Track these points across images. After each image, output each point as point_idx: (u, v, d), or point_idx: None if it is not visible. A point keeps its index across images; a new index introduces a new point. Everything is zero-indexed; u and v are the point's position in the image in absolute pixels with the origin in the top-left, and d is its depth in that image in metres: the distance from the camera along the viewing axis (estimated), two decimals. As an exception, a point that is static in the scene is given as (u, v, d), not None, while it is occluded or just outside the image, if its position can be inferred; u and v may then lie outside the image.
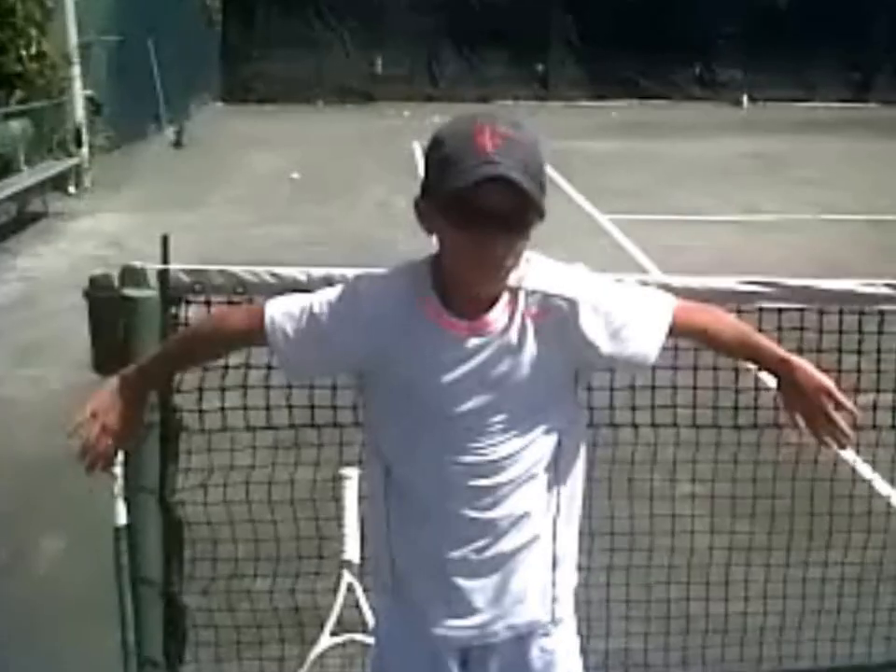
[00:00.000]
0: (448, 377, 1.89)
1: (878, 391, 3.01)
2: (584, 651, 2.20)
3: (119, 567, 2.83)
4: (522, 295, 1.89)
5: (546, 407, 1.96)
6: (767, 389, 2.32)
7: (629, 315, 1.95)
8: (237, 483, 2.98)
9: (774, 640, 3.29)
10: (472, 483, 1.93)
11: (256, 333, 1.97)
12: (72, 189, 12.45)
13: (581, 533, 2.12)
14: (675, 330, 2.00)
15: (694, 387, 2.97)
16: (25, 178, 10.95)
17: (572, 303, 1.89)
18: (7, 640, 3.56)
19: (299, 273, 2.57)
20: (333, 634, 2.86)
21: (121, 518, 2.79)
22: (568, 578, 2.12)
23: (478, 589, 2.00)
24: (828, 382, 1.99)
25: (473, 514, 1.95)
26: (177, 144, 16.78)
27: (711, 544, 3.32)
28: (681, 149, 16.66)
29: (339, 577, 2.87)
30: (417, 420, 1.93)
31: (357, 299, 1.94)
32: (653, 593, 3.31)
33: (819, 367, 2.04)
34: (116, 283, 2.63)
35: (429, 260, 1.92)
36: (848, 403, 1.99)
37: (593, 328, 1.90)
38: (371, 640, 2.69)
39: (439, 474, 1.94)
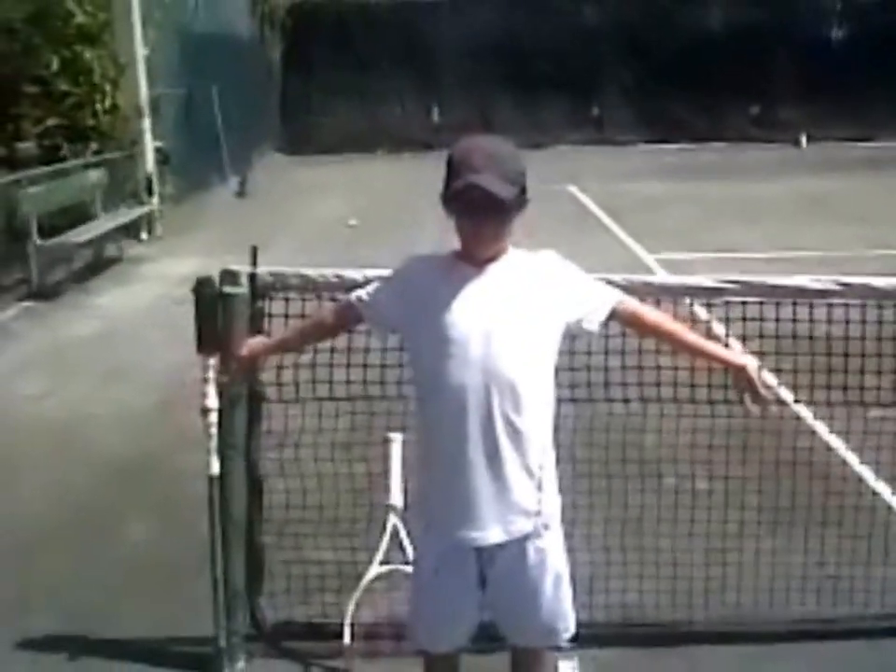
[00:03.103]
0: (453, 298, 2.61)
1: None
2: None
3: (212, 510, 3.57)
4: (514, 261, 2.67)
5: (531, 342, 2.63)
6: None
7: (586, 290, 2.76)
8: (306, 444, 3.74)
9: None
10: (483, 415, 2.57)
11: (350, 313, 2.85)
12: (144, 236, 13.17)
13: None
14: (620, 314, 2.81)
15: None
16: (102, 225, 11.68)
17: (549, 267, 2.71)
18: (116, 589, 4.28)
19: (356, 274, 3.33)
20: (382, 563, 3.57)
21: (214, 469, 3.54)
22: (551, 498, 2.76)
23: (486, 503, 2.63)
24: (756, 380, 2.77)
25: (486, 444, 2.59)
26: (241, 193, 17.40)
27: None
28: (732, 190, 16.64)
29: (385, 518, 3.59)
30: (436, 341, 2.60)
31: (407, 268, 2.79)
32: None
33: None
34: (217, 282, 3.41)
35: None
36: (759, 383, 2.77)
37: (562, 288, 2.69)
38: (411, 569, 3.44)
39: (459, 409, 2.58)
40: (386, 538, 3.57)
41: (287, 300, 3.42)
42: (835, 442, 5.17)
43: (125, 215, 12.62)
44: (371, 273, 3.24)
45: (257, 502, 3.66)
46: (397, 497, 3.58)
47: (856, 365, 3.77)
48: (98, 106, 13.12)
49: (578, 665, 3.62)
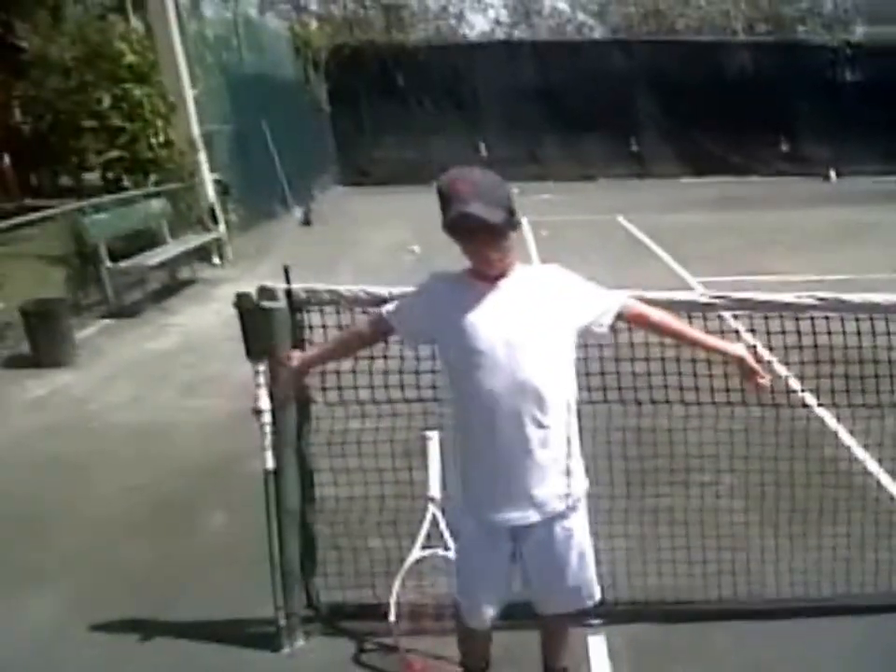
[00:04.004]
0: (475, 315, 2.93)
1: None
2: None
3: (268, 501, 3.98)
4: (524, 275, 3.00)
5: (549, 348, 2.95)
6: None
7: (593, 297, 3.11)
8: (351, 442, 4.14)
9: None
10: (514, 408, 2.92)
11: (379, 323, 3.20)
12: (216, 260, 13.70)
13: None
14: (626, 315, 3.19)
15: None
16: (171, 249, 12.21)
17: (557, 278, 3.04)
18: (188, 578, 4.70)
19: (383, 290, 3.70)
20: (423, 548, 3.94)
21: (269, 463, 3.94)
22: (578, 482, 3.12)
23: (520, 486, 3.00)
24: (744, 356, 3.23)
25: (519, 434, 2.95)
26: (306, 222, 17.94)
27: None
28: (767, 220, 17.14)
29: (425, 508, 3.96)
30: (465, 353, 2.93)
31: (431, 285, 3.13)
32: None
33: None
34: (255, 298, 3.82)
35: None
36: (758, 368, 3.22)
37: (570, 296, 3.02)
38: (449, 554, 3.82)
39: (492, 404, 2.92)
40: (426, 525, 3.94)
41: (322, 312, 3.82)
42: (850, 441, 5.61)
43: (193, 241, 13.12)
44: (395, 289, 3.61)
45: (309, 494, 4.06)
46: (435, 489, 3.96)
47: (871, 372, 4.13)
48: (152, 141, 13.68)
49: (605, 639, 3.96)
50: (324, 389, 3.94)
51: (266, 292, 3.77)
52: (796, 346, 4.04)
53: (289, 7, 30.18)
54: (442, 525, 3.93)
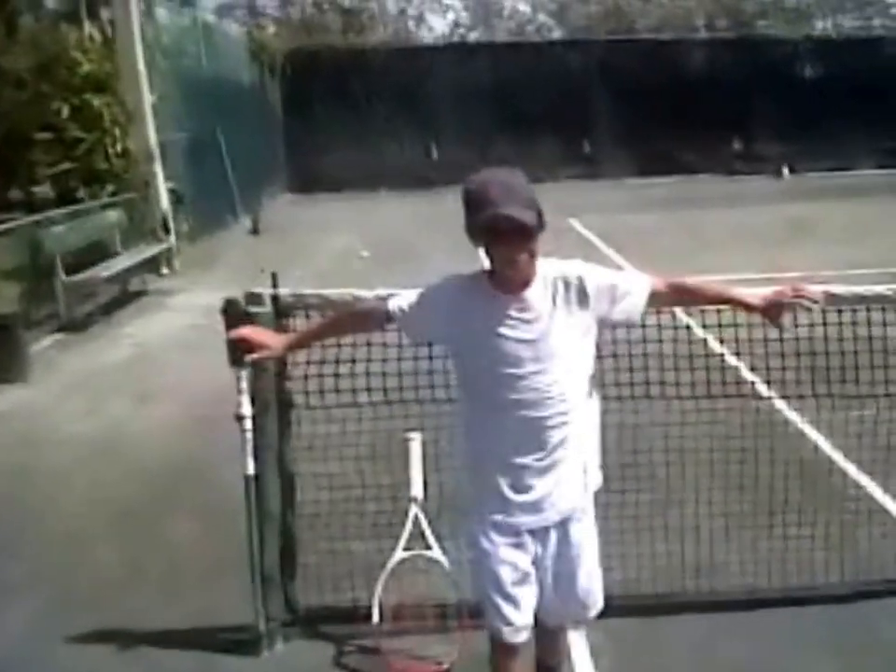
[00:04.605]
0: (502, 331, 2.86)
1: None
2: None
3: (249, 506, 3.97)
4: (547, 279, 2.90)
5: (574, 353, 2.91)
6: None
7: (621, 286, 2.98)
8: (333, 446, 4.16)
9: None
10: (529, 413, 2.88)
11: (381, 314, 3.09)
12: (165, 271, 13.67)
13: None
14: (658, 296, 3.06)
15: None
16: (123, 261, 12.17)
17: (581, 279, 2.92)
18: (160, 585, 4.67)
19: (370, 295, 3.74)
20: (405, 549, 3.97)
21: (250, 468, 3.94)
22: (594, 478, 3.11)
23: (539, 488, 2.95)
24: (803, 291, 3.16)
25: (537, 435, 2.91)
26: (254, 231, 17.96)
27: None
28: (720, 219, 17.37)
29: (408, 509, 3.99)
30: (488, 367, 2.88)
31: (444, 288, 3.03)
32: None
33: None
34: (243, 304, 3.83)
35: (482, 270, 2.96)
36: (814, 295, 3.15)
37: (597, 291, 2.93)
38: (432, 555, 3.85)
39: (509, 407, 2.88)
40: (409, 526, 3.97)
41: (307, 317, 3.84)
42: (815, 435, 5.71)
43: (145, 252, 13.08)
44: (382, 293, 3.63)
45: (289, 498, 4.07)
46: (418, 490, 3.99)
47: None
48: (110, 151, 13.64)
49: (586, 634, 4.01)
50: (306, 393, 3.95)
51: (254, 297, 3.78)
52: (748, 339, 4.10)
53: (245, 11, 30.00)
54: (425, 526, 3.96)
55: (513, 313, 2.87)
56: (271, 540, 4.04)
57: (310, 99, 26.34)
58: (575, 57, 27.59)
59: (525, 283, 2.88)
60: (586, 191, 23.59)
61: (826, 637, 4.05)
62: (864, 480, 5.29)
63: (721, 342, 4.33)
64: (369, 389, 3.97)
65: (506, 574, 3.06)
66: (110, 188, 13.69)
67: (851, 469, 5.41)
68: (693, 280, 3.29)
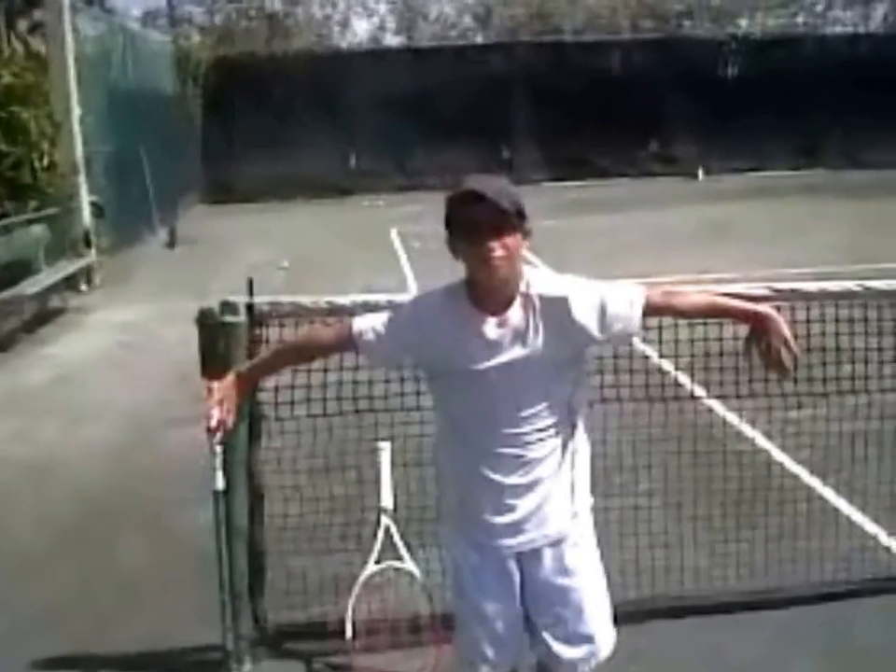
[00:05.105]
0: (480, 354, 2.68)
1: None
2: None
3: (218, 520, 3.88)
4: (531, 298, 2.69)
5: (557, 374, 2.72)
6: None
7: (612, 304, 2.72)
8: (303, 457, 4.09)
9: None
10: (510, 430, 2.72)
11: (345, 340, 2.85)
12: (84, 287, 13.42)
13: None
14: (651, 309, 2.79)
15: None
16: (46, 278, 11.95)
17: (567, 300, 2.69)
18: (118, 609, 4.53)
19: (344, 300, 3.69)
20: (376, 562, 3.91)
21: (220, 484, 3.84)
22: (584, 498, 2.89)
23: (522, 508, 2.77)
24: (786, 330, 2.79)
25: (517, 453, 2.74)
26: (171, 244, 17.75)
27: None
28: (639, 221, 17.58)
29: (378, 520, 3.93)
30: (466, 390, 2.72)
31: (416, 309, 2.85)
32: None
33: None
34: (217, 313, 3.75)
35: (462, 282, 2.75)
36: (794, 347, 2.79)
37: (585, 317, 2.69)
38: (404, 566, 3.80)
39: (488, 426, 2.74)
40: (380, 537, 3.91)
41: (282, 325, 3.77)
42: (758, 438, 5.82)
43: (66, 267, 12.86)
44: (357, 298, 3.60)
45: (258, 512, 3.98)
46: (388, 500, 3.93)
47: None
48: (36, 164, 13.34)
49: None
50: (276, 405, 3.88)
51: (229, 307, 3.70)
52: (673, 340, 4.05)
53: (168, 19, 29.52)
54: (396, 538, 3.91)
55: (492, 332, 2.68)
56: (239, 556, 3.95)
57: (230, 108, 26.12)
58: (497, 61, 27.72)
59: (507, 300, 2.69)
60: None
61: (794, 638, 4.09)
62: (805, 476, 5.46)
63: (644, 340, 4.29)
64: (339, 398, 3.91)
65: (488, 604, 2.89)
66: (33, 203, 13.34)
67: (794, 467, 5.55)
68: (686, 293, 3.01)
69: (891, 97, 26.06)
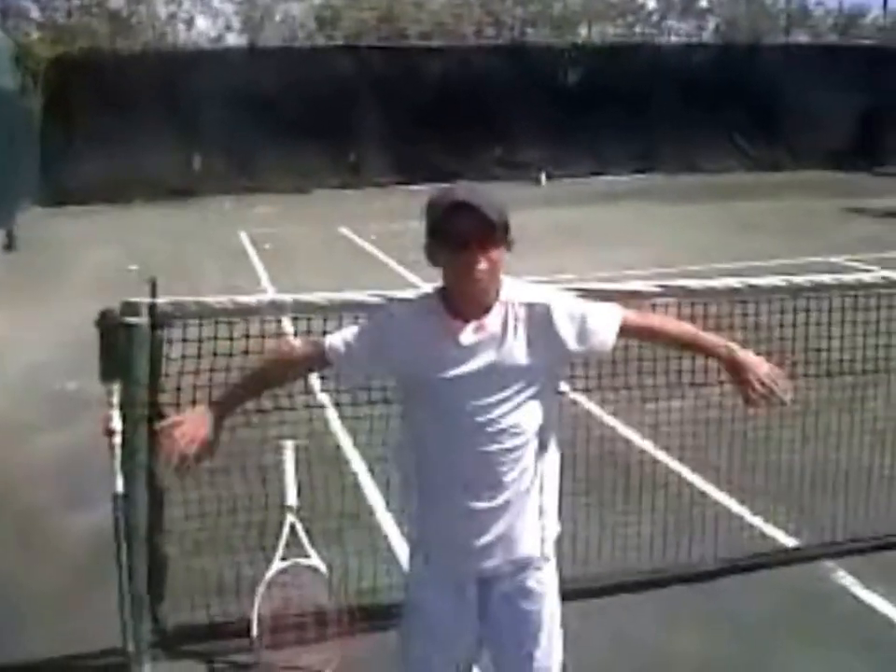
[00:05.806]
0: (452, 362, 2.58)
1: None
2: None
3: (117, 524, 3.84)
4: (509, 305, 2.62)
5: (531, 386, 2.63)
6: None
7: (591, 318, 2.68)
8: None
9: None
10: (480, 448, 2.60)
11: (317, 358, 2.73)
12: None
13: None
14: (626, 329, 2.75)
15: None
16: None
17: (548, 309, 2.64)
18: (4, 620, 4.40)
19: (252, 300, 3.71)
20: (282, 559, 3.95)
21: (119, 487, 3.81)
22: (552, 524, 2.79)
23: (487, 532, 2.65)
24: (763, 369, 2.69)
25: (486, 475, 2.63)
26: (9, 247, 17.04)
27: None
28: None
29: (282, 517, 3.97)
30: (438, 403, 2.62)
31: (390, 320, 2.74)
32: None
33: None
34: (118, 314, 3.70)
35: (438, 287, 2.67)
36: (778, 376, 2.69)
37: (564, 328, 2.64)
38: (308, 562, 3.86)
39: (454, 444, 2.62)
40: (285, 535, 3.96)
41: (185, 326, 3.76)
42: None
43: None
44: (264, 298, 3.64)
45: (158, 515, 3.95)
46: (292, 498, 3.98)
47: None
48: None
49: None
50: (178, 405, 3.85)
51: (130, 308, 3.65)
52: None
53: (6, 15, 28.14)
54: (301, 535, 3.96)
55: (467, 337, 2.60)
56: (139, 559, 3.91)
57: (70, 107, 25.09)
58: (344, 64, 27.50)
59: (485, 308, 2.62)
60: (352, 200, 23.82)
61: (684, 614, 4.34)
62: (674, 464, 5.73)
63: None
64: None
65: (442, 630, 2.80)
66: None
67: (662, 456, 5.84)
68: (663, 319, 3.05)
69: (723, 103, 27.31)
